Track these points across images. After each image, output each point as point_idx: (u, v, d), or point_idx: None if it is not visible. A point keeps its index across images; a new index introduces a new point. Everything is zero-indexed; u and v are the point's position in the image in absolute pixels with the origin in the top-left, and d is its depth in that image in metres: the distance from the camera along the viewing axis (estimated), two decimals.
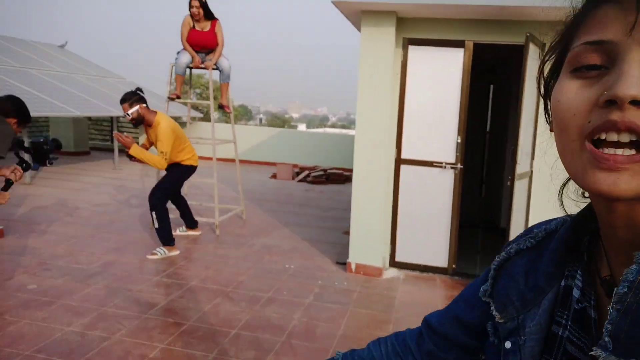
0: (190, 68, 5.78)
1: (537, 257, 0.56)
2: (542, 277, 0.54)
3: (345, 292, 4.00)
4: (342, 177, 9.80)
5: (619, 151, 0.40)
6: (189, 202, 6.39)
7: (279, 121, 66.77)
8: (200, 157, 12.38)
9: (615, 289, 0.43)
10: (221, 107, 6.10)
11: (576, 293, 0.51)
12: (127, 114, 4.31)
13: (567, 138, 0.43)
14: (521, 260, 0.58)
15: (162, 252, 4.57)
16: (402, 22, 4.18)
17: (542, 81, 0.52)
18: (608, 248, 0.49)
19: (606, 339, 0.41)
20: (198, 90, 33.75)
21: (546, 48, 0.51)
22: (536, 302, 0.54)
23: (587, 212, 0.53)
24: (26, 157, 3.10)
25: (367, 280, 4.28)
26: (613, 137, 0.40)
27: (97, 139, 13.11)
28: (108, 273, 4.08)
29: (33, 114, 7.42)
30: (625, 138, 0.39)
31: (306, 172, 10.09)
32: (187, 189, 6.42)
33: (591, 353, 0.43)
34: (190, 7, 5.49)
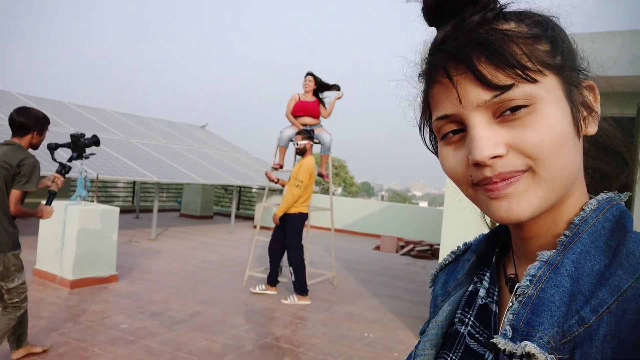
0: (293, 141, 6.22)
1: (454, 268, 0.64)
2: (453, 283, 0.61)
3: None
4: None
5: (496, 179, 0.46)
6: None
7: (400, 199, 66.37)
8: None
9: (517, 285, 0.48)
10: (320, 176, 6.37)
11: (482, 293, 0.57)
12: (298, 143, 5.26)
13: (462, 188, 0.51)
14: (443, 273, 0.66)
15: (293, 299, 5.24)
16: None
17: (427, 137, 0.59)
18: (517, 255, 0.54)
19: (507, 327, 0.45)
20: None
21: None
22: (442, 306, 0.60)
23: (500, 226, 0.61)
24: (63, 159, 3.28)
25: None
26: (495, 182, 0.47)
27: (220, 204, 14.35)
28: (192, 321, 4.30)
29: (170, 181, 8.57)
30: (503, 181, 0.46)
31: (411, 245, 9.79)
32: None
33: (492, 340, 0.47)
34: (304, 80, 6.05)
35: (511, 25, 0.46)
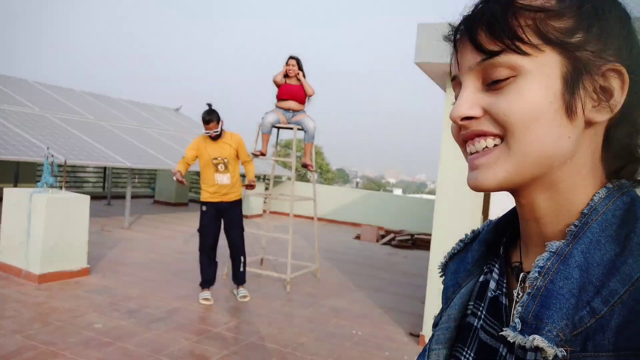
0: (278, 128, 5.93)
1: (464, 257, 0.62)
2: (463, 274, 0.60)
3: None
4: (429, 243, 9.22)
5: (473, 148, 0.49)
6: (266, 257, 6.36)
7: (375, 186, 66.59)
8: (281, 213, 12.51)
9: (522, 274, 0.51)
10: (304, 166, 6.12)
11: (492, 285, 0.56)
12: (216, 131, 4.49)
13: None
14: (453, 263, 0.64)
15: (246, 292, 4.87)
16: None
17: None
18: (524, 241, 0.54)
19: (516, 320, 0.45)
20: (299, 154, 35.17)
21: None
22: (454, 297, 0.59)
23: (509, 214, 0.59)
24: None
25: None
26: (471, 148, 0.50)
27: (193, 191, 13.95)
28: (171, 319, 4.04)
29: (144, 166, 8.16)
30: (481, 145, 0.49)
31: (392, 235, 9.69)
32: (265, 242, 6.39)
33: (501, 334, 0.47)
34: (287, 64, 5.73)
35: (537, 1, 0.46)
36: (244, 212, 11.28)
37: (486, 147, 0.48)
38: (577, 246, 0.45)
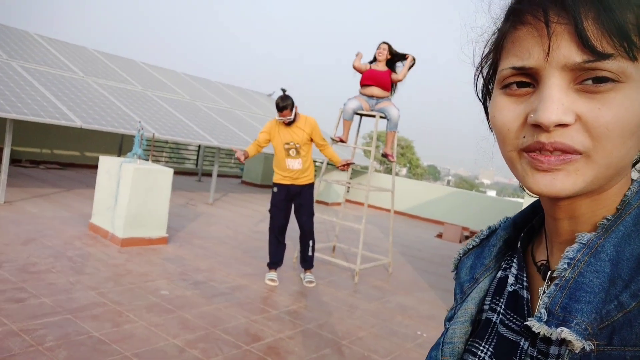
0: (360, 115, 5.74)
1: (480, 252, 0.61)
2: (480, 269, 0.59)
3: None
4: None
5: (548, 153, 0.43)
6: (338, 245, 6.24)
7: (467, 185, 63.81)
8: (362, 204, 12.29)
9: (550, 271, 0.50)
10: (384, 155, 5.87)
11: (511, 279, 0.55)
12: (289, 118, 4.42)
13: (505, 149, 0.47)
14: (468, 258, 0.63)
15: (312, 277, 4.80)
16: None
17: (480, 90, 0.55)
18: (551, 239, 0.52)
19: (542, 310, 0.43)
20: (382, 144, 34.63)
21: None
22: (470, 292, 0.59)
23: (528, 210, 0.59)
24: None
25: None
26: (546, 153, 0.43)
27: None
28: (234, 295, 4.07)
29: (230, 146, 8.44)
30: (556, 154, 0.43)
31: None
32: (339, 230, 6.26)
33: (525, 323, 0.46)
34: (378, 48, 5.54)
35: None
36: (325, 199, 11.32)
37: (563, 156, 0.42)
38: (610, 239, 0.44)
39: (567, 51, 0.40)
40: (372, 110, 5.54)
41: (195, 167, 13.35)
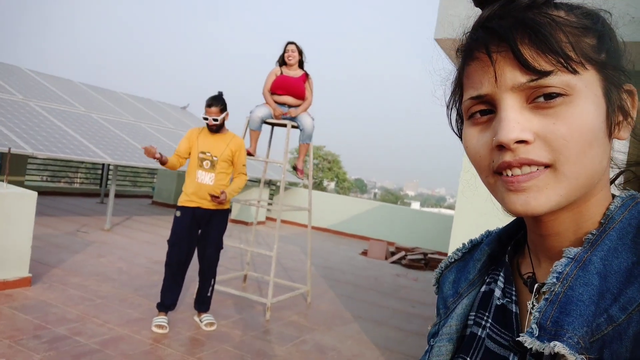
0: (270, 124, 5.04)
1: (464, 267, 0.61)
2: (464, 284, 0.59)
3: None
4: None
5: (517, 171, 0.44)
6: (252, 273, 5.46)
7: (392, 197, 65.49)
8: (291, 223, 11.58)
9: (537, 284, 0.49)
10: (294, 169, 5.21)
11: (498, 293, 0.54)
12: (216, 119, 3.71)
13: (482, 175, 0.49)
14: (450, 272, 0.63)
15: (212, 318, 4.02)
16: None
17: (455, 123, 0.57)
18: (536, 254, 0.53)
19: (533, 325, 0.43)
20: (316, 161, 34.09)
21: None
22: (454, 307, 0.58)
23: (513, 224, 0.59)
24: None
25: None
26: (516, 172, 0.44)
27: None
28: (104, 354, 3.16)
29: (128, 163, 7.42)
30: (525, 170, 0.44)
31: (402, 253, 8.70)
32: (250, 257, 5.48)
33: (517, 339, 0.45)
34: (285, 51, 4.87)
35: (560, 13, 0.45)
36: (245, 219, 10.47)
37: (530, 171, 0.44)
38: (597, 253, 0.45)
39: (512, 74, 0.44)
40: (283, 119, 4.87)
41: (99, 188, 11.95)
